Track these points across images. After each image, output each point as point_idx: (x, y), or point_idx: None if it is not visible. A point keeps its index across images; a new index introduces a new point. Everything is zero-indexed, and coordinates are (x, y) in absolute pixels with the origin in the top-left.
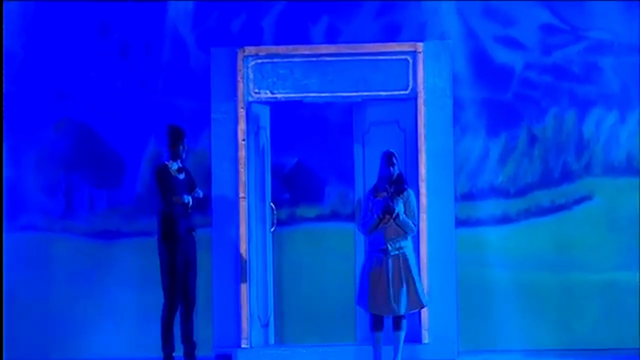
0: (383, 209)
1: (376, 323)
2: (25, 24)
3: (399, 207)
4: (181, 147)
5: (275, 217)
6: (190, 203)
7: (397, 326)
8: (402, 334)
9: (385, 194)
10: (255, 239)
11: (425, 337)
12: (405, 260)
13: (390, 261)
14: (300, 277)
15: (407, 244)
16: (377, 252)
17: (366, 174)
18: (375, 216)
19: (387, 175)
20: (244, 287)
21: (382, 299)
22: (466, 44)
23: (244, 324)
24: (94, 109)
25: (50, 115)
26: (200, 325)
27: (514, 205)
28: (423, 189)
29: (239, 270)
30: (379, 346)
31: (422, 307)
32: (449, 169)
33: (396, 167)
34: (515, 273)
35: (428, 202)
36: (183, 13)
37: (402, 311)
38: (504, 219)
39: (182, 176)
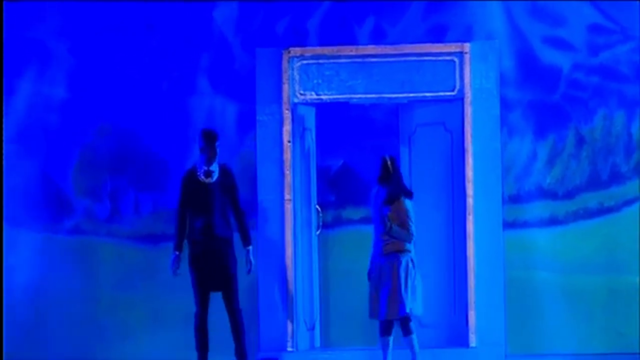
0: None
1: (384, 328)
2: (69, 27)
3: (392, 214)
4: (209, 150)
5: (321, 219)
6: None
7: (405, 331)
8: (414, 337)
9: (379, 199)
10: (300, 241)
11: (472, 341)
12: (398, 264)
13: (385, 265)
14: (346, 279)
15: (407, 248)
16: (377, 256)
17: (412, 175)
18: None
19: (378, 179)
20: (289, 290)
21: (376, 303)
22: (513, 44)
23: (290, 328)
24: (139, 111)
25: (95, 118)
26: (246, 328)
27: (561, 208)
28: (470, 191)
29: (285, 273)
30: (387, 351)
31: (401, 318)
32: (496, 170)
33: (386, 172)
34: (563, 276)
35: (475, 204)
36: (228, 15)
37: (385, 316)
38: (552, 222)
39: (210, 180)
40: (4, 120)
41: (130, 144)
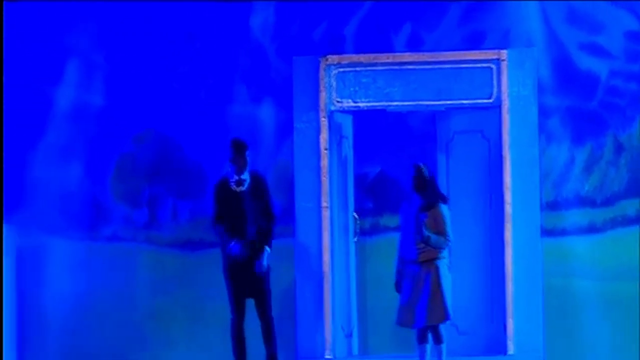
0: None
1: (421, 335)
2: (107, 35)
3: (428, 229)
4: (239, 160)
5: (358, 226)
6: (236, 253)
7: (436, 338)
8: (444, 347)
9: (414, 206)
10: (338, 248)
11: (510, 348)
12: (437, 271)
13: (422, 273)
14: (383, 286)
15: (442, 255)
16: (411, 263)
17: (450, 183)
18: (412, 229)
19: (414, 186)
20: (327, 297)
21: (408, 310)
22: (551, 51)
23: (327, 334)
24: (176, 119)
25: (133, 126)
26: (284, 335)
27: (600, 215)
28: (508, 198)
29: (322, 280)
30: (425, 359)
31: (446, 321)
32: (534, 177)
33: (422, 179)
34: (601, 283)
35: (513, 212)
36: (264, 22)
37: (428, 323)
38: (590, 229)
39: (242, 188)
40: (46, 128)
41: (168, 151)
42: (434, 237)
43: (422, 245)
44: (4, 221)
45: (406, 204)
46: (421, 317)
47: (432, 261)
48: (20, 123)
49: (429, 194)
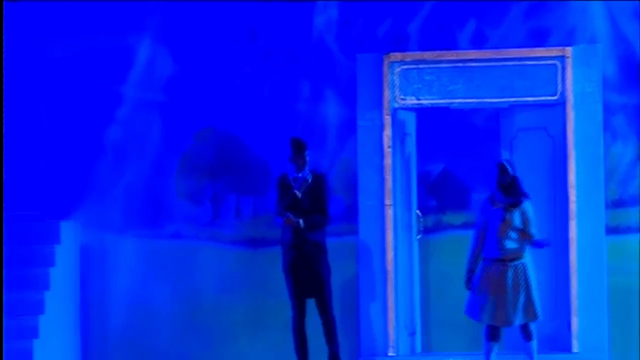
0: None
1: (493, 333)
2: (171, 33)
3: (516, 219)
4: (299, 160)
5: (421, 224)
6: (302, 225)
7: (527, 336)
8: (534, 343)
9: (500, 204)
10: (401, 246)
11: (575, 346)
12: (524, 270)
13: (508, 272)
14: (447, 284)
15: (525, 254)
16: (494, 262)
17: None
18: (497, 227)
19: (502, 184)
20: (390, 295)
21: (501, 309)
22: (616, 47)
23: (391, 332)
24: (240, 116)
25: (196, 123)
26: (347, 333)
27: None
28: (572, 196)
29: (385, 278)
30: (493, 356)
31: (537, 319)
32: (599, 175)
33: (509, 177)
34: None
35: (578, 209)
36: (328, 20)
37: (520, 322)
38: None
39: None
40: (109, 126)
41: (231, 148)
42: (534, 242)
43: (511, 243)
44: (68, 218)
45: (487, 202)
46: (517, 315)
47: (519, 259)
48: (83, 121)
49: (515, 192)
